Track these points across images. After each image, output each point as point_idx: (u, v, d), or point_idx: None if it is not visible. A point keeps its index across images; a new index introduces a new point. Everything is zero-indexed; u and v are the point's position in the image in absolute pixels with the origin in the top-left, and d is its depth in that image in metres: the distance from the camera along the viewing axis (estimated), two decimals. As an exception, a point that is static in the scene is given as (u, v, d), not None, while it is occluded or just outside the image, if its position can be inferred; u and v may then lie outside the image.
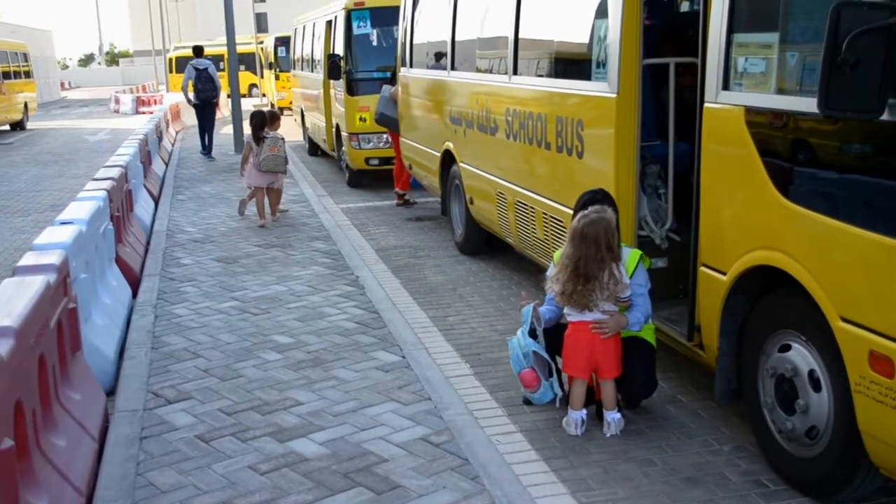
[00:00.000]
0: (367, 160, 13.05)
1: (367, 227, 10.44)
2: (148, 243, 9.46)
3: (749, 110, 4.09)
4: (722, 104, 4.30)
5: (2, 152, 22.47)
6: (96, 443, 4.51)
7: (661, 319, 5.21)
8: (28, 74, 31.90)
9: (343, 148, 13.75)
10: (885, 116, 3.22)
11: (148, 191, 12.13)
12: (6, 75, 28.05)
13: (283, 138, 10.56)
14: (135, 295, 7.38)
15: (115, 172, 8.55)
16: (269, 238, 9.63)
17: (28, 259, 4.81)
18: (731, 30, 4.23)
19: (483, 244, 8.87)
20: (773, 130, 3.98)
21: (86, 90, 68.48)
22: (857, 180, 3.53)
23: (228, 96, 19.73)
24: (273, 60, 30.40)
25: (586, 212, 4.65)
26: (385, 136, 12.76)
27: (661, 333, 5.21)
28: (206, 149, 17.61)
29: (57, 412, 4.25)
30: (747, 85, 4.17)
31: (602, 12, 5.49)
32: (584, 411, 4.79)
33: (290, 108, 24.44)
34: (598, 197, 4.85)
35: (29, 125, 30.23)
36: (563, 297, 4.64)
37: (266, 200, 10.49)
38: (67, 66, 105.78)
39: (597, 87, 5.52)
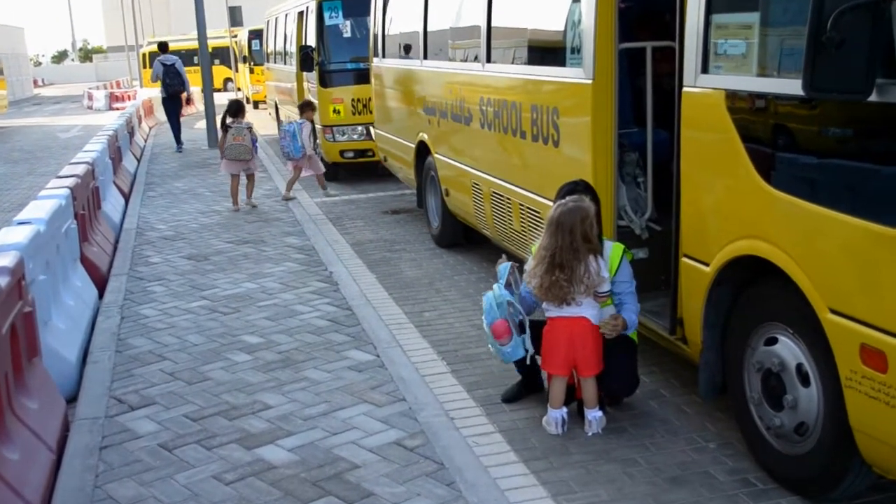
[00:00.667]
0: (341, 153, 12.83)
1: (343, 221, 10.23)
2: (117, 241, 9.21)
3: (729, 94, 3.91)
4: (701, 88, 4.13)
5: (-29, 151, 22.09)
6: (54, 454, 4.29)
7: (643, 312, 5.02)
8: (-1, 72, 31.44)
9: (317, 141, 13.51)
10: (873, 97, 3.06)
11: (118, 188, 11.86)
12: (-25, 73, 27.58)
13: (248, 127, 10.88)
14: (101, 295, 7.15)
15: (81, 169, 8.30)
16: (241, 234, 9.40)
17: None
18: (710, 10, 4.05)
19: (460, 237, 8.69)
20: (755, 114, 3.81)
21: (59, 87, 67.75)
22: (846, 165, 3.36)
23: (202, 91, 19.48)
24: (247, 54, 30.01)
25: (563, 201, 4.48)
26: (360, 127, 12.57)
27: (642, 327, 5.03)
28: (178, 142, 17.77)
29: (10, 423, 4.03)
30: (727, 67, 3.99)
31: (576, -3, 5.31)
32: (565, 409, 4.62)
33: (265, 102, 24.17)
34: (578, 188, 4.67)
35: (0, 123, 29.77)
36: (541, 290, 4.46)
37: (241, 187, 10.99)
38: (41, 63, 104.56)
39: (572, 74, 5.34)
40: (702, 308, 4.28)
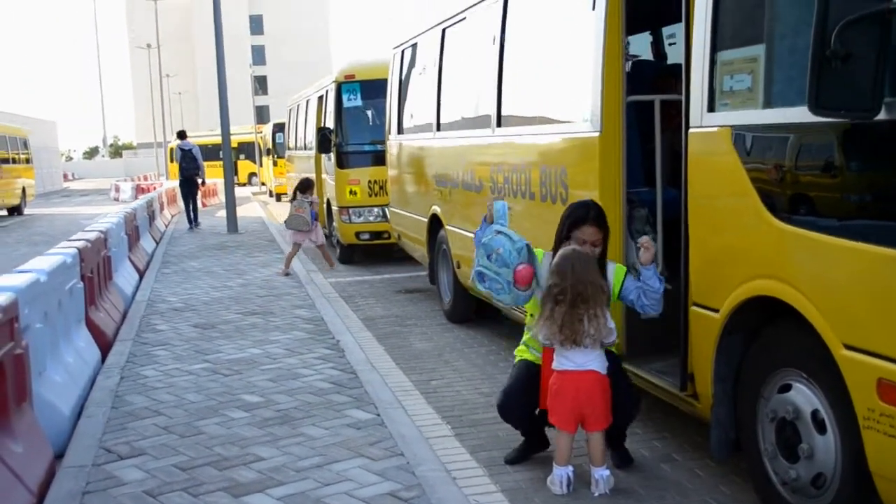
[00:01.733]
0: (357, 234, 12.80)
1: (355, 299, 10.13)
2: (126, 312, 9.12)
3: (736, 130, 3.82)
4: (707, 127, 4.04)
5: (-5, 234, 22.31)
6: (34, 497, 4.11)
7: (653, 372, 4.87)
8: (28, 161, 32.01)
9: (334, 223, 13.53)
10: (881, 115, 2.95)
11: (134, 264, 11.85)
12: (4, 160, 28.10)
13: (310, 201, 11.76)
14: (104, 360, 7.02)
15: (92, 235, 8.30)
16: (251, 307, 9.30)
17: (-30, 303, 4.48)
18: (715, 48, 4.00)
19: (472, 312, 8.54)
20: (762, 148, 3.71)
21: (89, 181, 68.96)
22: (856, 190, 3.24)
23: (224, 182, 19.82)
24: (271, 146, 30.50)
25: (565, 248, 4.41)
26: (376, 209, 12.57)
27: (652, 387, 4.87)
28: (191, 221, 19.06)
29: (-11, 463, 3.88)
30: (733, 104, 3.91)
31: (583, 51, 5.29)
32: (571, 468, 4.40)
33: (287, 194, 24.47)
34: (590, 213, 4.55)
35: (26, 211, 30.18)
36: (555, 328, 4.26)
37: (299, 253, 12.25)
38: (72, 158, 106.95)
39: (579, 128, 5.29)
40: (712, 359, 4.10)
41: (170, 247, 15.71)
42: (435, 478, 4.30)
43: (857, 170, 3.25)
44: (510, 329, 7.82)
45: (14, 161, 29.62)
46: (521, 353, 4.80)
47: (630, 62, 7.08)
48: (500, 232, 4.63)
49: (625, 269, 4.63)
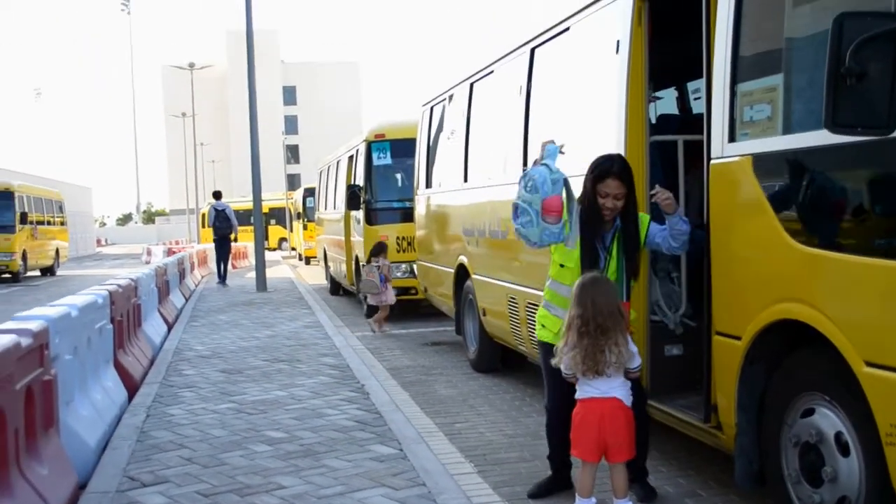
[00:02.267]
0: (385, 290, 12.86)
1: (381, 351, 10.16)
2: (153, 359, 9.21)
3: (756, 158, 3.88)
4: (728, 157, 4.10)
5: (28, 292, 22.58)
6: (57, 519, 4.15)
7: (677, 407, 4.86)
8: (62, 223, 32.60)
9: (361, 279, 13.62)
10: (897, 133, 3.01)
11: (163, 316, 11.98)
12: (40, 222, 28.64)
13: (378, 266, 11.95)
14: (132, 401, 7.09)
15: (123, 282, 8.43)
16: (278, 355, 9.36)
17: (6, 325, 4.59)
18: (735, 80, 4.08)
19: (497, 361, 8.56)
20: (782, 173, 3.76)
21: (121, 247, 69.89)
22: (871, 208, 3.27)
23: (255, 245, 20.18)
24: (301, 210, 30.89)
25: (584, 276, 4.42)
26: (404, 265, 12.66)
27: (677, 422, 4.85)
28: (222, 278, 19.66)
29: (14, 479, 3.93)
30: (753, 133, 3.98)
31: (608, 93, 5.41)
32: (594, 500, 4.37)
33: (316, 258, 24.71)
34: (614, 167, 4.51)
35: (59, 272, 30.61)
36: (576, 359, 4.26)
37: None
38: (105, 224, 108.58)
39: (604, 167, 5.35)
40: (735, 388, 4.09)
41: (199, 303, 15.86)
42: (456, 505, 4.29)
43: (873, 188, 3.29)
44: (536, 378, 7.79)
45: (49, 223, 30.18)
46: (544, 330, 4.77)
47: (657, 114, 7.27)
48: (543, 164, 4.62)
49: (648, 216, 4.67)
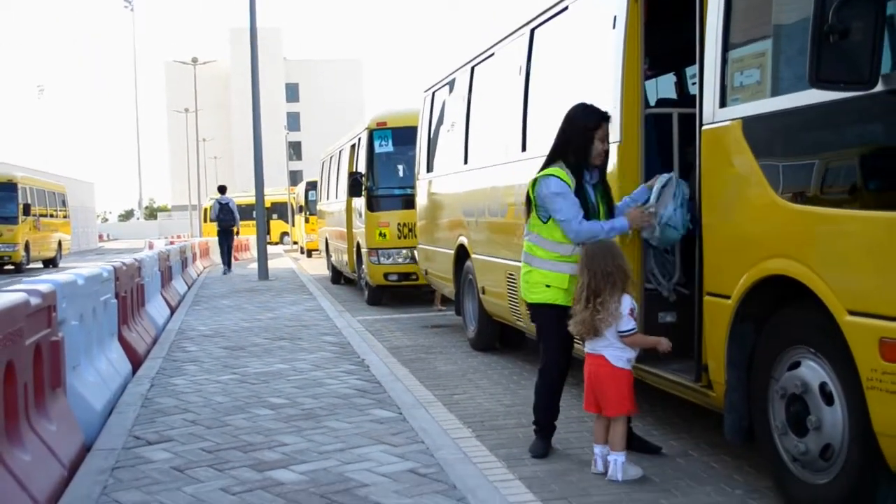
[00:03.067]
0: (386, 276, 12.98)
1: (382, 332, 10.28)
2: (157, 338, 9.34)
3: (746, 121, 4.00)
4: (719, 122, 4.22)
5: (31, 283, 22.75)
6: (66, 471, 4.27)
7: (670, 370, 4.97)
8: (65, 216, 32.73)
9: (363, 265, 13.75)
10: (878, 87, 3.12)
11: (166, 301, 12.11)
12: (43, 215, 28.78)
13: None
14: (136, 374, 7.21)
15: (127, 260, 8.56)
16: (280, 333, 9.48)
17: (15, 286, 4.71)
18: (726, 48, 4.20)
19: (496, 339, 8.68)
20: (769, 134, 3.88)
21: (123, 241, 69.98)
22: (853, 162, 3.39)
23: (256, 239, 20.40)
24: (303, 204, 30.99)
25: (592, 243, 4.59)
26: (405, 250, 12.77)
27: (669, 384, 4.97)
28: (227, 265, 20.68)
29: (24, 431, 4.05)
30: (743, 97, 4.09)
31: (605, 67, 5.52)
32: (606, 448, 4.52)
33: (318, 250, 24.84)
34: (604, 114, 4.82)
35: (61, 264, 30.73)
36: (576, 324, 4.50)
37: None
38: (107, 220, 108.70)
39: (601, 138, 5.47)
40: (725, 346, 4.21)
41: (201, 290, 15.99)
42: (454, 458, 4.42)
43: (856, 143, 3.41)
44: (535, 355, 7.91)
45: (52, 216, 30.31)
46: (546, 291, 4.85)
47: (656, 98, 7.39)
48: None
49: None
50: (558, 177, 4.76)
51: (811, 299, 3.58)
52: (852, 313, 3.33)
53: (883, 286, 3.19)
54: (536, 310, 4.95)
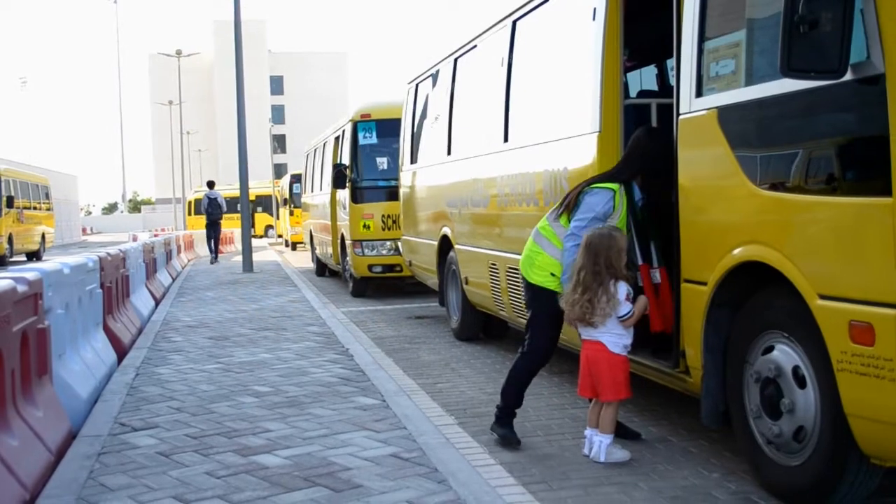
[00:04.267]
0: (370, 267, 13.03)
1: (366, 323, 10.34)
2: (141, 329, 9.37)
3: (721, 110, 4.08)
4: (695, 111, 4.30)
5: (15, 276, 22.69)
6: (52, 456, 4.32)
7: (647, 356, 5.06)
8: (49, 209, 32.59)
9: (347, 257, 13.79)
10: (847, 76, 3.20)
11: (150, 292, 12.12)
12: (26, 207, 28.65)
13: None
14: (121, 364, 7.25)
15: (112, 250, 8.58)
16: (264, 324, 9.53)
17: (2, 274, 4.75)
18: (702, 39, 4.28)
19: (479, 329, 8.76)
20: (743, 122, 3.97)
21: (107, 235, 69.66)
22: (823, 149, 3.48)
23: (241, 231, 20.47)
24: (288, 197, 30.98)
25: (602, 226, 4.64)
26: (389, 242, 12.83)
27: (648, 370, 5.05)
28: (214, 254, 22.03)
29: (11, 416, 4.10)
30: (718, 87, 4.17)
31: (584, 58, 5.59)
32: (591, 431, 4.61)
33: (303, 243, 24.85)
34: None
35: (45, 257, 30.60)
36: (567, 306, 4.56)
37: None
38: (91, 213, 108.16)
39: (580, 128, 5.55)
40: (701, 331, 4.30)
41: (186, 282, 16.00)
42: (436, 443, 4.49)
43: (825, 131, 3.51)
44: (515, 345, 7.98)
45: (35, 208, 30.18)
46: (550, 278, 4.91)
47: (638, 89, 7.47)
48: None
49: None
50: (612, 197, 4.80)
51: (784, 285, 3.66)
52: (823, 297, 3.41)
53: (852, 270, 3.28)
54: (535, 291, 5.00)
